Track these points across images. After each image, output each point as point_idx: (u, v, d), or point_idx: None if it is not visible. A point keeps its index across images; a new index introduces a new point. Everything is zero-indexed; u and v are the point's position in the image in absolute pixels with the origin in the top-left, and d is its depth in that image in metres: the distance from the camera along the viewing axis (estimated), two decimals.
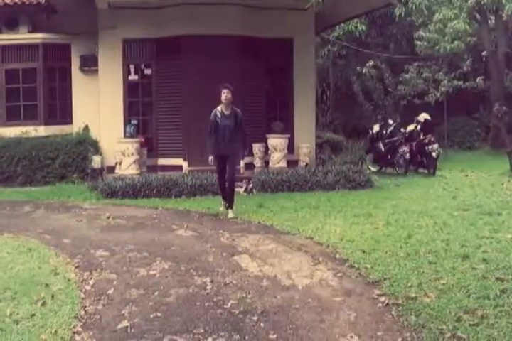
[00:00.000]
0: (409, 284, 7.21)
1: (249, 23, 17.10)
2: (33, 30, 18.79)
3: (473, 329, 5.82)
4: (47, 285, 7.37)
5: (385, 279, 7.43)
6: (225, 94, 12.06)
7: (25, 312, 6.43)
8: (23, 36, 18.65)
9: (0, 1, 18.20)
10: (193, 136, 16.58)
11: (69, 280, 7.66)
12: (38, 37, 18.64)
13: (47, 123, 18.63)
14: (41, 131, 18.40)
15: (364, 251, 8.81)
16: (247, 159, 17.08)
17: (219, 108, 12.18)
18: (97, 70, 18.12)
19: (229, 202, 12.39)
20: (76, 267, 8.34)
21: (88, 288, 7.40)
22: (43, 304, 6.69)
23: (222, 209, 12.59)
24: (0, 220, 12.10)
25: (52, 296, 6.94)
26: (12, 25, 18.70)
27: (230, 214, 12.10)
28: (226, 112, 12.16)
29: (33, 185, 17.25)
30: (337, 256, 8.72)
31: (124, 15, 16.92)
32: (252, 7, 17.13)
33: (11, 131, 17.98)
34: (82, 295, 7.07)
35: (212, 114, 12.17)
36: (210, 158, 12.31)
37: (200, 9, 16.47)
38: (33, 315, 6.37)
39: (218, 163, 12.31)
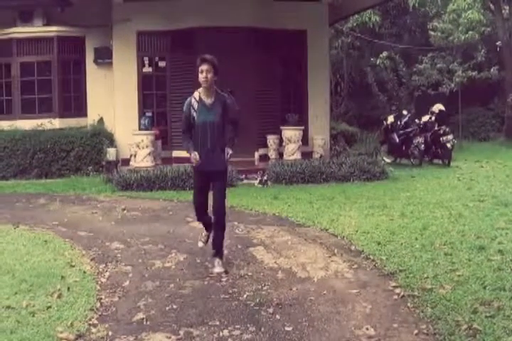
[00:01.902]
0: (424, 276, 7.19)
1: (263, 15, 17.06)
2: (48, 23, 18.83)
3: (489, 321, 5.79)
4: (63, 277, 7.38)
5: (400, 271, 7.42)
6: (204, 73, 7.68)
7: (41, 305, 6.45)
8: (37, 29, 18.67)
9: None
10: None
11: (84, 272, 7.68)
12: (52, 30, 18.67)
13: (62, 115, 18.67)
14: (56, 123, 18.44)
15: (379, 243, 8.80)
16: (261, 151, 17.09)
17: (196, 94, 7.91)
18: (111, 63, 18.14)
19: (216, 247, 8.01)
20: (91, 259, 8.37)
21: (104, 280, 7.41)
22: (59, 296, 6.70)
23: (200, 243, 8.52)
24: (16, 212, 12.14)
25: (68, 288, 6.95)
26: (27, 18, 18.73)
27: (217, 267, 7.76)
28: (207, 101, 7.85)
29: (48, 177, 17.30)
30: (352, 247, 8.72)
31: (138, 8, 16.92)
32: None
33: (26, 124, 18.05)
34: (98, 288, 7.09)
35: (185, 103, 7.98)
36: (193, 154, 7.81)
37: (214, 1, 16.44)
38: (49, 307, 6.38)
39: (198, 180, 8.27)
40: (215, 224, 8.05)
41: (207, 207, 8.23)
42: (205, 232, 8.55)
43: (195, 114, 7.87)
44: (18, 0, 18.20)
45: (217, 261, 7.89)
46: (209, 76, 7.76)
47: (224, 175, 8.16)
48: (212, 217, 8.12)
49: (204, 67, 7.74)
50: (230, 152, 8.00)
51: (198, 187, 8.27)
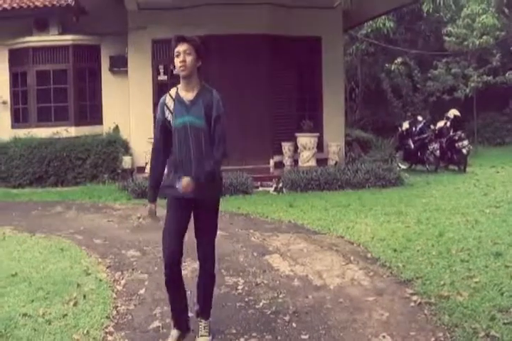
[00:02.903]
0: (441, 283, 7.16)
1: (277, 22, 17.06)
2: (63, 31, 18.93)
3: (507, 328, 5.76)
4: (79, 285, 7.41)
5: (417, 278, 7.39)
6: (181, 55, 5.68)
7: (57, 312, 6.48)
8: (53, 38, 18.80)
9: (30, 3, 18.36)
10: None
11: (100, 280, 7.70)
12: (68, 38, 18.79)
13: (77, 123, 18.76)
14: (72, 131, 18.52)
15: (395, 250, 8.78)
16: (276, 158, 17.08)
17: (172, 90, 5.92)
18: (126, 71, 18.20)
19: (202, 303, 5.95)
20: (107, 267, 8.39)
21: (120, 288, 7.43)
22: (75, 304, 6.73)
23: (174, 332, 5.84)
24: (32, 220, 12.21)
25: (84, 296, 6.98)
26: (42, 26, 18.85)
27: (202, 337, 5.80)
28: (186, 96, 5.78)
29: (64, 185, 17.38)
30: (368, 255, 8.70)
31: (153, 16, 16.96)
32: (280, 6, 17.11)
33: (43, 132, 18.14)
34: (114, 296, 7.11)
35: (159, 104, 5.92)
36: (148, 206, 5.93)
37: (229, 9, 16.45)
38: (65, 315, 6.41)
39: (173, 213, 5.78)
40: (202, 274, 5.99)
41: (180, 259, 5.80)
42: (174, 332, 5.87)
43: (170, 117, 5.73)
44: (33, 9, 18.32)
45: (202, 324, 5.88)
46: (188, 59, 5.65)
47: (215, 206, 5.96)
48: (198, 264, 6.05)
49: (181, 47, 5.66)
50: (186, 183, 5.52)
51: (173, 222, 5.74)
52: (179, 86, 5.88)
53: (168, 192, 5.81)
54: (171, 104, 5.80)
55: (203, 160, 5.66)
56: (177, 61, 5.70)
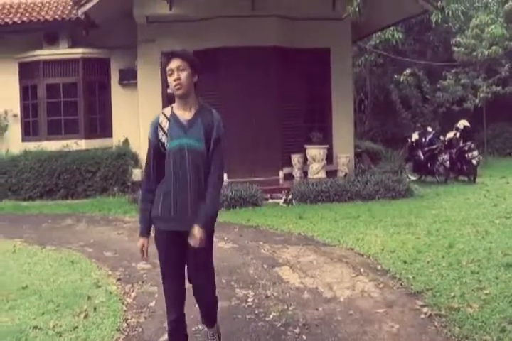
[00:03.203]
0: (451, 294, 7.15)
1: (286, 34, 17.11)
2: (73, 45, 19.04)
3: None
4: (89, 297, 7.45)
5: (427, 290, 7.38)
6: (174, 73, 5.14)
7: (68, 325, 6.50)
8: (63, 51, 18.91)
9: (40, 17, 18.48)
10: (232, 148, 16.55)
11: (111, 292, 7.73)
12: (77, 52, 18.91)
13: (87, 136, 18.83)
14: (82, 144, 18.60)
15: (405, 262, 8.77)
16: (286, 170, 17.09)
17: (167, 109, 5.34)
18: (136, 84, 18.27)
19: (208, 321, 5.67)
20: (118, 280, 8.42)
21: (130, 300, 7.45)
22: (86, 316, 6.76)
23: None
24: (42, 233, 12.26)
25: (95, 309, 7.00)
26: (52, 40, 18.97)
27: None
28: (183, 116, 5.22)
29: (74, 198, 17.44)
30: (378, 267, 8.69)
31: (163, 29, 17.02)
32: (289, 18, 17.15)
33: (53, 145, 18.22)
34: (124, 308, 7.12)
35: (151, 124, 5.30)
36: (141, 241, 5.32)
37: (238, 22, 16.50)
38: (76, 327, 6.44)
39: (165, 250, 5.23)
40: (205, 320, 5.65)
41: (183, 298, 5.32)
42: None
43: (164, 138, 5.15)
44: (43, 23, 18.45)
45: (210, 332, 5.72)
46: (183, 76, 5.11)
47: (209, 238, 5.21)
48: (198, 310, 5.61)
49: (173, 64, 5.12)
50: (199, 234, 4.97)
51: (167, 261, 5.26)
52: (174, 105, 5.29)
53: (156, 226, 5.27)
54: (165, 124, 5.19)
55: (202, 190, 5.11)
56: (171, 80, 5.14)
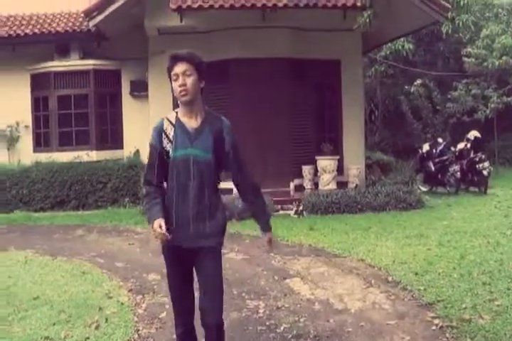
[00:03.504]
0: (463, 306, 7.13)
1: (296, 45, 17.13)
2: (84, 56, 19.13)
3: None
4: (100, 308, 7.46)
5: (438, 301, 7.36)
6: (179, 78, 4.76)
7: (79, 335, 6.51)
8: (74, 63, 19.00)
9: (52, 28, 18.59)
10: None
11: (122, 303, 7.74)
12: (89, 63, 19.01)
13: (98, 148, 18.89)
14: (93, 155, 18.66)
15: (417, 273, 8.75)
16: (297, 181, 17.09)
17: (171, 115, 4.93)
18: (147, 95, 18.34)
19: None
20: (129, 290, 8.43)
21: (141, 311, 7.46)
22: (97, 327, 6.77)
23: None
24: (54, 243, 12.31)
25: (106, 319, 7.01)
26: (64, 52, 19.07)
27: None
28: (189, 124, 4.84)
29: (85, 209, 17.51)
30: (389, 278, 8.67)
31: (174, 41, 17.03)
32: (300, 29, 17.18)
33: (64, 156, 18.28)
34: (136, 319, 7.13)
35: (154, 129, 4.93)
36: (156, 223, 4.62)
37: (249, 33, 16.55)
38: (87, 338, 6.45)
39: (173, 266, 5.01)
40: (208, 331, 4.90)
41: (192, 311, 5.06)
42: None
43: (169, 147, 4.77)
44: (55, 34, 18.55)
45: None
46: (189, 82, 4.73)
47: (217, 252, 4.93)
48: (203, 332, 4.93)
49: (178, 68, 4.74)
50: (269, 239, 5.08)
51: (175, 278, 5.02)
52: (179, 111, 4.89)
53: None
54: (170, 131, 4.80)
55: (206, 205, 4.76)
56: (175, 85, 4.75)
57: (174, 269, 4.98)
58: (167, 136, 4.79)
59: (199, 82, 4.82)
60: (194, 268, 4.93)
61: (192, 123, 4.82)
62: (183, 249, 4.78)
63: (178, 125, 4.81)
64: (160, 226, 4.56)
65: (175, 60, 4.78)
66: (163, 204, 4.80)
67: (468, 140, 20.06)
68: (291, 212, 15.34)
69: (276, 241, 5.54)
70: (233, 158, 4.91)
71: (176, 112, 4.90)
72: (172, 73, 4.78)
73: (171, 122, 4.84)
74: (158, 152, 4.83)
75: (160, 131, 4.84)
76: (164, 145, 4.79)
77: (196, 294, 4.97)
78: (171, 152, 4.77)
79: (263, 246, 5.23)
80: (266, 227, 5.07)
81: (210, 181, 4.80)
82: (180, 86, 4.73)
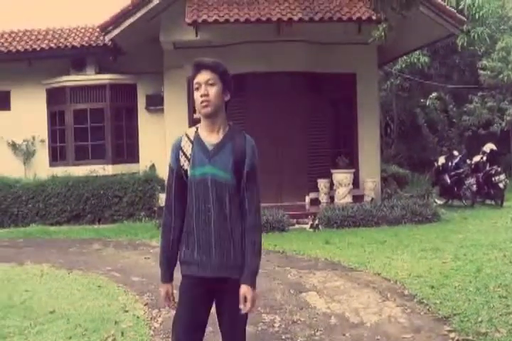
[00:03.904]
0: (479, 319, 7.09)
1: (312, 59, 17.18)
2: (100, 71, 19.27)
3: None
4: (116, 322, 7.45)
5: (454, 315, 7.32)
6: (202, 88, 4.26)
7: None
8: (90, 77, 19.16)
9: (68, 43, 18.72)
10: (259, 173, 16.62)
11: (138, 317, 7.73)
12: (105, 78, 19.13)
13: (114, 162, 18.97)
14: (109, 169, 18.74)
15: (433, 287, 8.72)
16: (312, 195, 17.07)
17: (190, 130, 4.47)
18: (162, 109, 18.40)
19: None
20: (145, 304, 8.42)
21: (157, 325, 7.44)
22: None
23: None
24: (70, 257, 12.33)
25: (122, 333, 7.00)
26: (80, 66, 19.21)
27: None
28: (209, 140, 4.32)
29: (101, 222, 17.56)
30: (405, 292, 8.64)
31: (189, 55, 17.02)
32: (315, 43, 17.20)
33: (80, 170, 18.37)
34: (151, 333, 7.12)
35: (172, 147, 4.43)
36: (164, 288, 4.40)
37: (264, 47, 16.62)
38: None
39: (186, 303, 4.29)
40: None
41: None
42: None
43: (186, 165, 4.29)
44: (71, 49, 18.68)
45: None
46: (212, 92, 4.26)
47: (235, 288, 4.18)
48: None
49: (202, 77, 4.27)
50: (250, 296, 4.14)
51: (186, 313, 4.31)
52: (199, 125, 4.40)
53: (180, 269, 4.38)
54: (188, 148, 4.32)
55: (228, 229, 4.21)
56: (197, 95, 4.27)
57: (188, 310, 4.27)
58: (184, 154, 4.30)
59: (223, 94, 4.33)
60: (215, 309, 4.34)
61: (212, 138, 4.29)
62: (205, 280, 4.21)
63: (197, 141, 4.31)
64: (167, 295, 4.38)
65: (198, 67, 4.29)
66: (178, 239, 4.33)
67: (484, 153, 20.01)
68: (307, 226, 15.33)
69: (254, 301, 4.13)
70: (247, 180, 4.30)
71: (197, 128, 4.41)
72: (194, 81, 4.29)
73: (189, 138, 4.35)
74: (175, 172, 4.35)
75: (177, 149, 4.35)
76: (182, 164, 4.30)
77: None
78: (189, 170, 4.27)
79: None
80: (246, 279, 4.17)
81: (231, 204, 4.22)
82: (201, 96, 4.23)
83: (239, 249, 4.22)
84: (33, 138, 19.38)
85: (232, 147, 4.25)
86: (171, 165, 4.38)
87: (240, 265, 4.19)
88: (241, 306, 4.11)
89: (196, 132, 4.36)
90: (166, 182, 4.62)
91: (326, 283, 9.42)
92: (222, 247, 4.19)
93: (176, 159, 4.33)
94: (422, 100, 30.09)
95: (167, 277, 4.37)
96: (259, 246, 4.28)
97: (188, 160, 4.28)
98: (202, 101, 4.23)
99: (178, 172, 4.33)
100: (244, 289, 4.13)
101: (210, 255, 4.20)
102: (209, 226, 4.20)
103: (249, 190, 4.29)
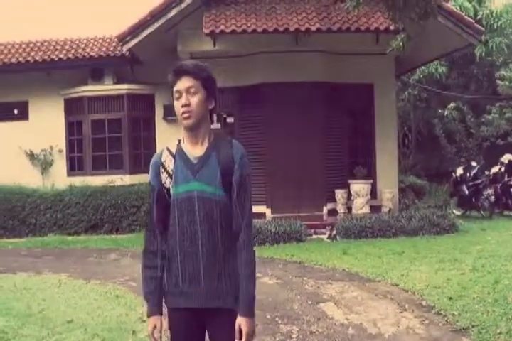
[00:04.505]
0: (498, 331, 7.05)
1: (330, 69, 17.17)
2: (118, 81, 19.35)
3: None
4: (134, 332, 7.45)
5: (473, 326, 7.28)
6: (182, 97, 3.77)
7: None
8: (108, 87, 19.25)
9: (86, 53, 18.82)
10: (276, 183, 16.63)
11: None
12: (122, 88, 19.21)
13: (132, 172, 18.99)
14: (126, 179, 18.76)
15: (451, 298, 8.67)
16: (330, 205, 17.05)
17: (172, 144, 4.03)
18: None
19: None
20: (162, 314, 8.41)
21: None
22: None
23: None
24: (87, 267, 12.35)
25: None
26: (97, 76, 19.30)
27: None
28: (193, 152, 3.86)
29: (118, 232, 17.58)
30: (423, 303, 8.60)
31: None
32: (333, 53, 17.21)
33: (97, 180, 18.39)
34: None
35: (151, 164, 3.98)
36: (151, 322, 3.85)
37: (282, 57, 16.64)
38: None
39: (178, 334, 3.83)
40: None
41: None
42: None
43: (168, 182, 3.84)
44: (89, 59, 18.79)
45: None
46: (194, 101, 3.77)
47: (234, 318, 3.67)
48: None
49: (182, 84, 3.80)
50: (248, 328, 3.63)
51: None
52: (182, 138, 3.98)
53: (165, 301, 3.91)
54: (169, 163, 3.88)
55: (219, 251, 3.73)
56: (178, 105, 3.81)
57: (181, 337, 3.85)
58: (166, 170, 3.85)
59: (207, 102, 3.82)
60: (208, 336, 3.87)
61: (196, 150, 3.84)
62: (194, 312, 3.76)
63: (179, 155, 3.87)
64: (156, 329, 3.85)
65: (178, 73, 3.81)
66: (162, 265, 3.87)
67: (502, 163, 19.94)
68: (325, 236, 15.31)
69: (251, 333, 3.61)
70: (236, 195, 3.78)
71: (179, 140, 3.98)
72: (174, 90, 3.81)
73: (170, 152, 3.92)
74: (156, 191, 3.89)
75: (157, 165, 3.92)
76: (163, 182, 3.85)
77: None
78: (171, 188, 3.81)
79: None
80: (242, 309, 3.68)
81: (223, 223, 3.75)
82: (182, 106, 3.77)
83: (232, 274, 3.73)
84: (51, 147, 19.48)
85: (217, 157, 3.79)
86: (151, 184, 3.93)
87: (234, 291, 3.71)
88: None
89: (178, 145, 3.92)
90: (149, 203, 4.11)
91: (343, 293, 9.39)
92: (213, 273, 3.71)
93: (157, 176, 3.88)
94: (439, 110, 30.01)
95: (155, 309, 3.86)
96: (254, 267, 3.76)
97: (171, 177, 3.82)
98: (183, 112, 3.77)
99: (159, 192, 3.88)
100: (239, 321, 3.64)
101: (198, 283, 3.72)
102: (197, 250, 3.71)
103: (240, 202, 3.78)
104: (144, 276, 3.91)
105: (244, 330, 3.61)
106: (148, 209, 4.05)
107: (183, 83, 3.76)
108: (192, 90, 3.75)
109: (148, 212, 4.11)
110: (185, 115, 3.76)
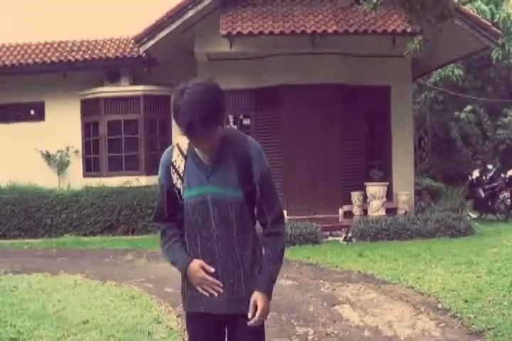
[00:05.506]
0: None
1: (347, 71, 17.16)
2: (134, 82, 19.38)
3: None
4: (149, 333, 7.44)
5: (488, 329, 7.25)
6: (200, 146, 3.53)
7: None
8: (124, 88, 19.28)
9: (102, 54, 18.88)
10: (292, 184, 16.62)
11: (171, 328, 7.72)
12: (139, 89, 19.23)
13: (148, 173, 18.98)
14: (142, 180, 18.78)
15: (467, 301, 8.63)
16: (346, 207, 17.03)
17: (183, 141, 3.66)
18: None
19: None
20: (178, 316, 8.40)
21: None
22: None
23: None
24: (103, 268, 12.38)
25: None
26: (114, 77, 19.33)
27: None
28: (206, 154, 3.57)
29: (134, 233, 17.61)
30: (439, 305, 8.57)
31: (223, 66, 17.17)
32: (349, 55, 17.19)
33: (114, 181, 18.45)
34: None
35: (161, 162, 3.77)
36: (193, 264, 3.67)
37: (299, 59, 16.63)
38: None
39: (195, 337, 3.82)
40: None
41: None
42: None
43: (180, 184, 3.65)
44: (105, 60, 18.84)
45: None
46: (208, 145, 3.52)
47: (244, 321, 3.60)
48: None
49: (192, 140, 3.52)
50: (262, 305, 3.58)
51: None
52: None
53: (185, 305, 3.85)
54: (180, 163, 3.64)
55: (237, 256, 3.63)
56: (186, 140, 3.60)
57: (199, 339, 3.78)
58: (176, 171, 3.65)
59: (219, 133, 3.47)
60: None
61: (208, 151, 3.58)
62: (213, 317, 3.66)
63: (191, 155, 3.63)
64: (203, 269, 3.62)
65: (180, 124, 3.42)
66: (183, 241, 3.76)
67: None
68: (340, 239, 15.29)
69: (266, 311, 3.59)
70: (261, 194, 3.63)
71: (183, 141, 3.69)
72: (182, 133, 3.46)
73: (181, 151, 3.67)
74: (166, 190, 3.74)
75: (167, 164, 3.70)
76: (174, 182, 3.67)
77: None
78: (182, 191, 3.64)
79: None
80: (261, 284, 3.63)
81: (240, 227, 3.61)
82: (197, 148, 3.58)
83: (249, 278, 3.65)
84: (67, 148, 19.54)
85: (232, 156, 3.56)
86: (161, 182, 3.77)
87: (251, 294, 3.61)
88: (249, 315, 3.54)
89: (190, 144, 3.60)
90: (157, 197, 3.90)
91: (359, 295, 9.38)
92: (231, 278, 3.62)
93: (167, 176, 3.70)
94: (456, 113, 29.93)
95: (189, 258, 3.69)
96: (282, 254, 3.77)
97: (181, 179, 3.63)
98: (203, 151, 3.57)
99: (169, 191, 3.72)
100: (256, 296, 3.57)
101: (229, 286, 3.63)
102: (213, 255, 3.60)
103: (267, 200, 3.64)
104: (165, 250, 3.84)
105: (260, 305, 3.54)
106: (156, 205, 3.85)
107: (192, 140, 3.50)
108: (203, 142, 3.47)
109: (156, 207, 3.88)
110: (206, 152, 3.56)
